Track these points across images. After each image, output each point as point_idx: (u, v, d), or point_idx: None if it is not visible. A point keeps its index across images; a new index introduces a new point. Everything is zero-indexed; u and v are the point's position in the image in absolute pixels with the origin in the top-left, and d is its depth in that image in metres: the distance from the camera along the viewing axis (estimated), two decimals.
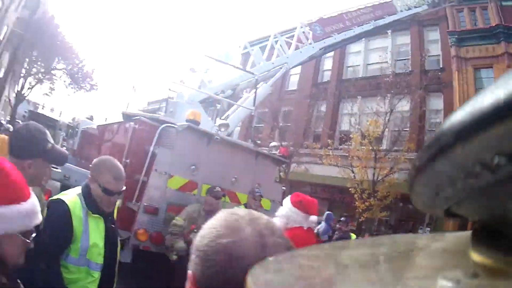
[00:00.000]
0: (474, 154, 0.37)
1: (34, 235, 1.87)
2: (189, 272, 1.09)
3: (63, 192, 3.24)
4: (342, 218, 11.81)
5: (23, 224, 1.76)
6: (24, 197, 1.79)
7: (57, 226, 2.93)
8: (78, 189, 3.24)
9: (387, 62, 22.39)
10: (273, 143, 9.44)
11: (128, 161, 7.34)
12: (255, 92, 10.46)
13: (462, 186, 0.41)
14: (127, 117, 8.74)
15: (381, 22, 14.99)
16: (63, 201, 3.03)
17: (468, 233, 0.57)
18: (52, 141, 2.82)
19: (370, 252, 0.86)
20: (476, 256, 0.50)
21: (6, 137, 9.04)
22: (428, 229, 17.68)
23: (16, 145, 2.66)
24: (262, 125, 26.05)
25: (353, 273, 0.72)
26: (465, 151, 0.38)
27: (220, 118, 10.01)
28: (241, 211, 1.17)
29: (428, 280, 0.54)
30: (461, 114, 0.37)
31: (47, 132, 2.82)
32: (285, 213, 4.54)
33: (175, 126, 7.32)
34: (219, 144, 7.80)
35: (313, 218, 4.66)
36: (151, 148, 7.15)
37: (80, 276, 3.08)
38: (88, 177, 3.30)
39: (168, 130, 7.35)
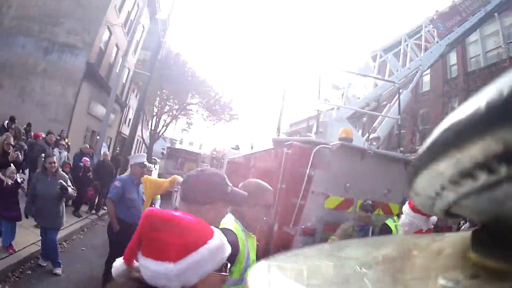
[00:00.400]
0: (474, 156, 0.37)
1: (229, 266, 1.91)
2: None
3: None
4: None
5: (216, 261, 1.78)
6: (209, 236, 1.80)
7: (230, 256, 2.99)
8: (230, 216, 3.38)
9: (501, 46, 21.76)
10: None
11: (284, 186, 7.35)
12: (399, 100, 10.31)
13: (462, 187, 0.42)
14: (278, 142, 8.78)
15: (489, 7, 14.40)
16: (230, 230, 3.14)
17: (467, 234, 0.58)
18: (230, 183, 2.81)
19: (371, 252, 0.87)
20: (476, 257, 0.52)
21: (150, 177, 9.18)
22: None
23: (194, 192, 2.67)
24: (403, 131, 25.34)
25: (354, 273, 0.72)
26: (465, 153, 0.38)
27: (369, 132, 9.93)
28: None
29: (428, 281, 0.55)
30: (461, 115, 0.38)
31: (225, 176, 2.85)
32: (408, 220, 4.76)
33: (329, 146, 7.28)
34: (371, 157, 7.65)
35: (433, 219, 4.83)
36: (307, 171, 7.10)
37: None
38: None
39: (322, 150, 7.28)
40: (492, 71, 21.16)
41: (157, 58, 22.44)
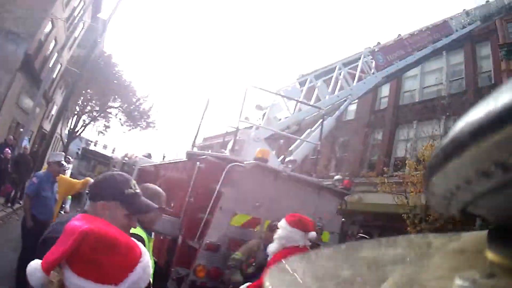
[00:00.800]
0: (490, 154, 0.37)
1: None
2: None
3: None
4: None
5: (147, 277, 1.79)
6: (139, 252, 1.79)
7: None
8: None
9: (442, 83, 22.20)
10: (337, 176, 9.40)
11: (192, 199, 7.39)
12: (321, 126, 10.47)
13: (478, 186, 0.41)
14: (192, 156, 8.77)
15: (438, 44, 14.93)
16: (140, 235, 3.16)
17: (484, 233, 0.57)
18: (137, 189, 2.75)
19: (386, 252, 0.86)
20: (492, 256, 0.50)
21: (64, 176, 9.08)
22: None
23: (92, 188, 2.67)
24: (317, 156, 25.49)
25: (369, 273, 0.73)
26: (481, 151, 0.37)
27: (284, 154, 10.02)
28: None
29: (444, 280, 0.54)
30: (477, 114, 0.37)
31: (131, 179, 2.78)
32: (284, 234, 4.88)
33: (243, 164, 7.32)
34: (285, 180, 7.76)
35: (312, 234, 5.03)
36: (218, 187, 7.13)
37: None
38: None
39: (236, 168, 7.32)
40: (426, 107, 21.79)
41: (90, 57, 22.16)
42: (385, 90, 25.34)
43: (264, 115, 10.90)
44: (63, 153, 9.63)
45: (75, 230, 1.67)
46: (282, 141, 11.36)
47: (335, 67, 12.46)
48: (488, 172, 0.38)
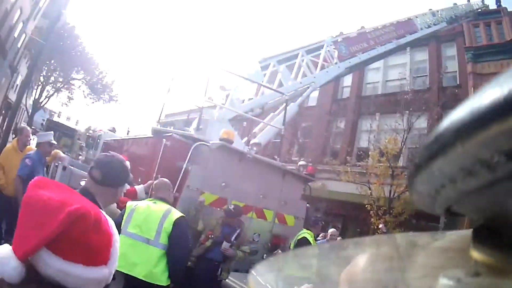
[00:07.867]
0: (474, 153, 0.37)
1: None
2: None
3: None
4: None
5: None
6: (110, 226, 1.65)
7: None
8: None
9: (405, 79, 22.14)
10: (301, 162, 9.52)
11: (159, 176, 7.31)
12: (285, 111, 10.56)
13: (463, 185, 0.41)
14: (157, 132, 8.84)
15: (402, 41, 15.09)
16: None
17: (469, 232, 0.56)
18: None
19: (371, 251, 0.87)
20: (477, 255, 0.49)
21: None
22: None
23: (113, 175, 2.67)
24: (281, 141, 25.14)
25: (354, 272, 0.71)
26: (465, 150, 0.37)
27: (248, 137, 10.05)
28: None
29: (429, 279, 0.54)
30: (461, 113, 0.37)
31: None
32: None
33: (208, 144, 7.40)
34: (250, 162, 7.85)
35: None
36: (184, 165, 7.20)
37: None
38: None
39: (201, 148, 7.40)
40: (389, 100, 21.78)
41: (54, 28, 21.81)
42: (348, 80, 25.40)
43: (227, 96, 10.91)
44: (51, 132, 9.28)
45: (59, 209, 1.44)
46: (245, 123, 11.31)
47: (297, 54, 12.53)
48: (473, 171, 0.39)
